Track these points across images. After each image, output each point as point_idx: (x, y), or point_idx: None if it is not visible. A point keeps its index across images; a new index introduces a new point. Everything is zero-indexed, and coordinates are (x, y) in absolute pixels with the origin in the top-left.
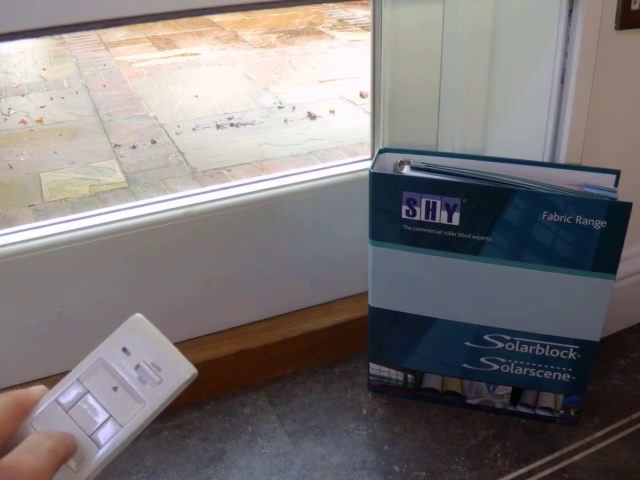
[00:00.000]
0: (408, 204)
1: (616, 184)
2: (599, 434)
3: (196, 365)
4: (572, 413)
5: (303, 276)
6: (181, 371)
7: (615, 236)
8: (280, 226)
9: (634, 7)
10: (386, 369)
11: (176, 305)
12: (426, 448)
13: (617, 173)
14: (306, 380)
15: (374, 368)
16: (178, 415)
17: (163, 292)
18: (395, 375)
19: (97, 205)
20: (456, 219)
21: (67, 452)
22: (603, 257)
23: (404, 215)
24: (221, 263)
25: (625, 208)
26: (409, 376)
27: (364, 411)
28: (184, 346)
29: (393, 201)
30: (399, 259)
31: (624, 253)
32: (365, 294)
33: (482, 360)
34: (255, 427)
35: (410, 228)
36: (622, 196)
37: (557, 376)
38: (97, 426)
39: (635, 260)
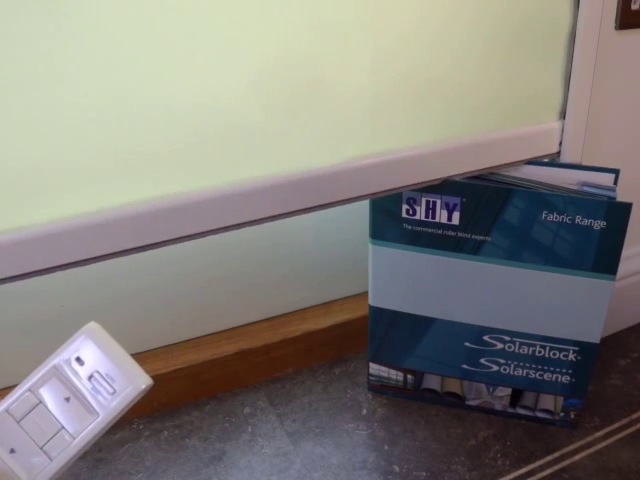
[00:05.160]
0: (408, 203)
1: (615, 183)
2: (599, 434)
3: (196, 365)
4: (572, 416)
5: (303, 276)
6: (136, 382)
7: (615, 236)
8: (280, 226)
9: (634, 7)
10: (386, 369)
11: (176, 305)
12: (426, 448)
13: (616, 172)
14: (306, 380)
15: (374, 368)
16: (178, 415)
17: (163, 292)
18: (395, 375)
19: None
20: (456, 218)
21: None
22: (603, 257)
23: (404, 214)
24: (221, 263)
25: (625, 208)
26: (409, 376)
27: (364, 411)
28: (184, 346)
29: (393, 200)
30: (399, 258)
31: (624, 253)
32: (365, 294)
33: (482, 361)
34: (255, 427)
35: (410, 227)
36: (621, 195)
37: (557, 378)
38: (49, 438)
39: (635, 260)
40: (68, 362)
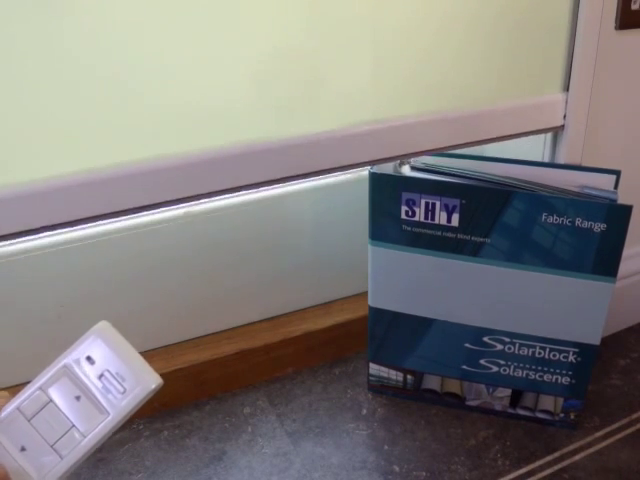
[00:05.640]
0: (407, 204)
1: (616, 185)
2: (599, 434)
3: (196, 365)
4: (572, 417)
5: (303, 276)
6: (146, 381)
7: (615, 239)
8: (280, 226)
9: (634, 7)
10: (386, 369)
11: (176, 305)
12: (426, 448)
13: (617, 173)
14: (306, 380)
15: (374, 368)
16: (178, 415)
17: (163, 292)
18: (395, 376)
19: None
20: (455, 220)
21: None
22: (603, 260)
23: (403, 215)
24: (221, 263)
25: (625, 211)
26: (409, 377)
27: (364, 411)
28: (184, 346)
29: (392, 201)
30: (399, 259)
31: (624, 253)
32: (365, 294)
33: (481, 362)
34: (255, 427)
35: (409, 228)
36: (622, 196)
37: (557, 379)
38: (59, 436)
39: (635, 260)
40: (78, 361)
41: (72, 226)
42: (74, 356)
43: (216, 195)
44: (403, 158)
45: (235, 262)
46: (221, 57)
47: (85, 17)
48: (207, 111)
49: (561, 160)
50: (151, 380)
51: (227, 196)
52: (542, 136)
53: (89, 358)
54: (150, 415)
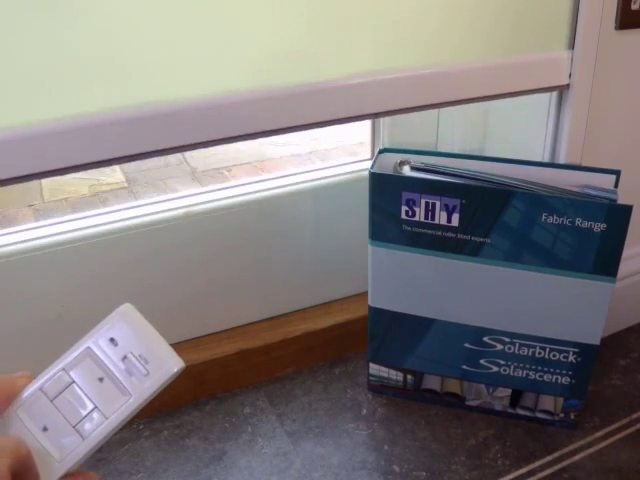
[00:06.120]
0: (407, 204)
1: (616, 184)
2: (599, 434)
3: (196, 365)
4: (572, 417)
5: (303, 276)
6: (169, 364)
7: (615, 239)
8: (280, 226)
9: (634, 7)
10: (386, 369)
11: (176, 305)
12: (426, 448)
13: (617, 173)
14: (306, 380)
15: (374, 368)
16: (178, 415)
17: (163, 292)
18: (395, 376)
19: (97, 205)
20: (455, 220)
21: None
22: (603, 260)
23: (403, 215)
24: (221, 263)
25: (625, 211)
26: (409, 377)
27: (364, 411)
28: (184, 346)
29: (393, 201)
30: (399, 259)
31: (624, 253)
32: (365, 294)
33: (481, 362)
34: (255, 427)
35: (409, 228)
36: (622, 196)
37: (557, 379)
38: (82, 417)
39: (635, 260)
40: (102, 343)
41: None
42: (97, 338)
43: (220, 143)
44: (405, 112)
45: (235, 262)
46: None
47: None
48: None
49: (561, 158)
50: (174, 363)
51: (226, 194)
52: (542, 136)
53: (112, 340)
54: (150, 415)
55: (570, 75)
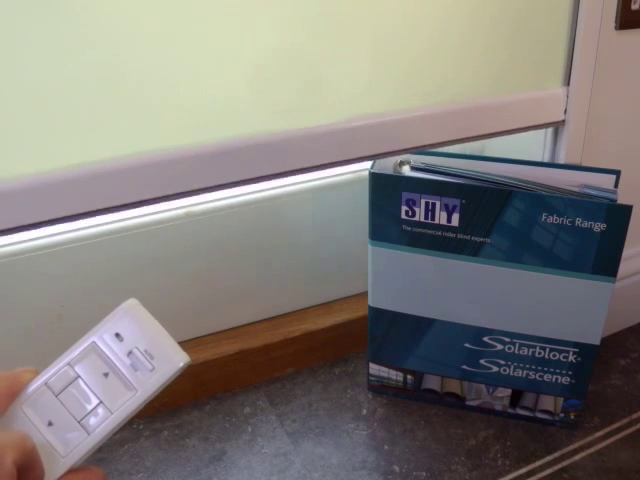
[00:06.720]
0: (407, 204)
1: (616, 184)
2: (599, 434)
3: (196, 365)
4: (572, 417)
5: (303, 276)
6: (174, 359)
7: (615, 239)
8: (280, 226)
9: (634, 7)
10: (386, 369)
11: (176, 305)
12: (426, 448)
13: (617, 173)
14: (306, 380)
15: (374, 368)
16: (178, 415)
17: (163, 292)
18: (395, 376)
19: None
20: (455, 220)
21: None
22: (603, 260)
23: (403, 215)
24: (221, 263)
25: (625, 211)
26: (409, 377)
27: (364, 411)
28: (184, 346)
29: (392, 201)
30: (399, 259)
31: (624, 253)
32: (365, 294)
33: (481, 362)
34: (255, 427)
35: (409, 229)
36: (622, 196)
37: (557, 379)
38: (87, 412)
39: (635, 260)
40: (107, 338)
41: (79, 219)
42: (103, 332)
43: (214, 190)
44: (403, 153)
45: (235, 262)
46: (221, 57)
47: (87, 16)
48: (207, 107)
49: (561, 158)
50: (179, 358)
51: (226, 194)
52: (542, 134)
53: (118, 335)
54: (150, 415)
55: (565, 111)
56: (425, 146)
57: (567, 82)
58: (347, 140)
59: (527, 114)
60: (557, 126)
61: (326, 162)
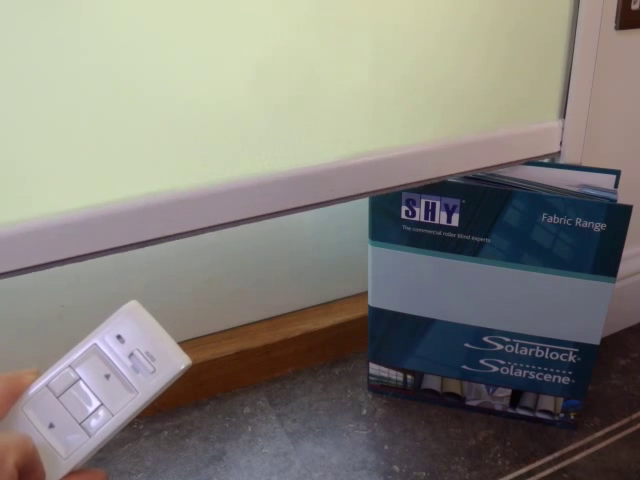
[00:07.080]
0: (407, 204)
1: (616, 184)
2: (599, 434)
3: (196, 365)
4: (572, 417)
5: (303, 276)
6: (175, 361)
7: (615, 239)
8: (280, 226)
9: (634, 7)
10: (386, 369)
11: (176, 305)
12: (426, 448)
13: (617, 173)
14: (306, 380)
15: (374, 368)
16: (178, 415)
17: (163, 292)
18: (395, 376)
19: None
20: (455, 220)
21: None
22: (603, 260)
23: (403, 215)
24: (221, 263)
25: (625, 211)
26: (409, 377)
27: (364, 411)
28: (184, 346)
29: (392, 201)
30: (399, 259)
31: (624, 253)
32: (365, 294)
33: (481, 362)
34: (255, 427)
35: (409, 229)
36: (622, 196)
37: (557, 379)
38: (88, 414)
39: (635, 260)
40: (108, 340)
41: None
42: (104, 334)
43: (210, 230)
44: (399, 189)
45: (235, 262)
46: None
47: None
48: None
49: (562, 159)
50: (181, 360)
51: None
52: None
53: (119, 337)
54: (150, 415)
55: (561, 143)
56: (423, 181)
57: (563, 115)
58: (345, 177)
59: (524, 147)
60: (552, 157)
61: (325, 200)
